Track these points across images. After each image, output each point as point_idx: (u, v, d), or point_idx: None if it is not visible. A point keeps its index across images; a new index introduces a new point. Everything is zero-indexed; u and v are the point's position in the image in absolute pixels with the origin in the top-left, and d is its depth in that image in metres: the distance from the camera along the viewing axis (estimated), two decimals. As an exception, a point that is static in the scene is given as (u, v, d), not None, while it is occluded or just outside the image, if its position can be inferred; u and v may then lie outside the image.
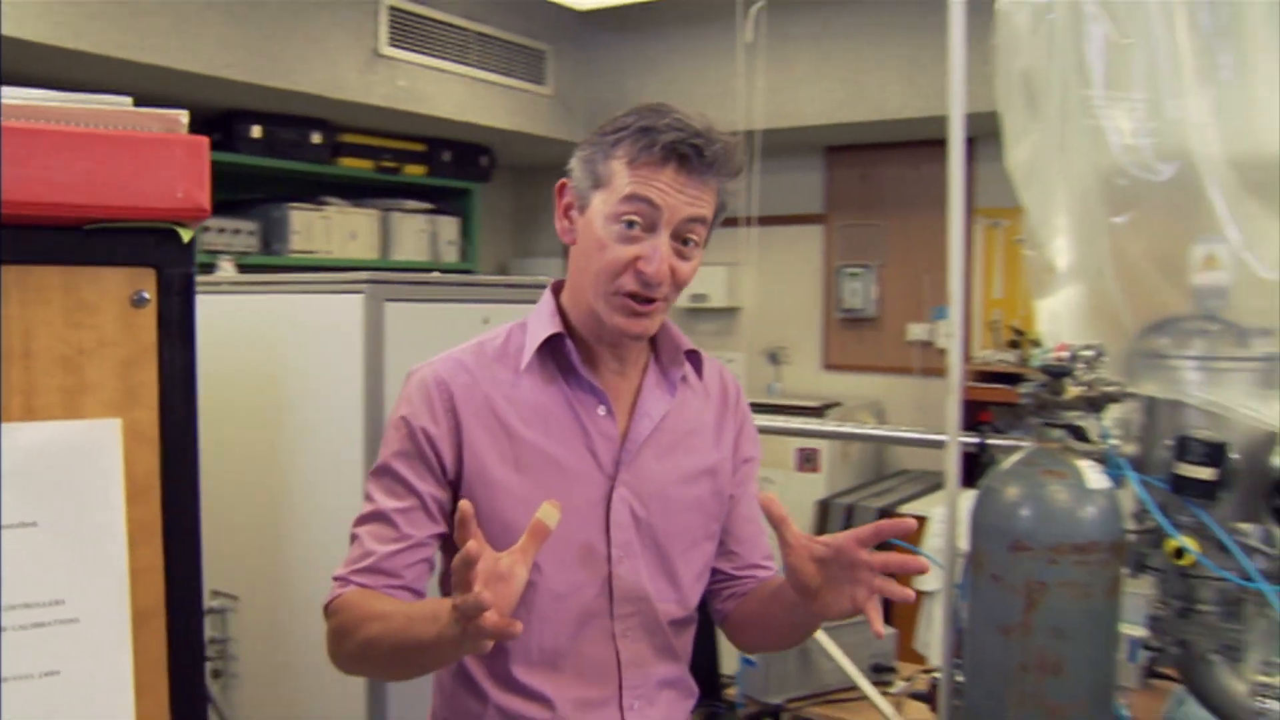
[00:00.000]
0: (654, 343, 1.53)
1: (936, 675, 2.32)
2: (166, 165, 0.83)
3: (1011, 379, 4.04)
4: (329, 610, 1.41)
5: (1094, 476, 1.79)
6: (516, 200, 6.74)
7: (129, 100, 0.87)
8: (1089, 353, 1.89)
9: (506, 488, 1.41)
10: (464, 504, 1.12)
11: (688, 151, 1.32)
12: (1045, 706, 1.75)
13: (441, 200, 5.60)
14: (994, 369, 4.53)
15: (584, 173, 1.41)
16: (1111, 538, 1.77)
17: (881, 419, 4.92)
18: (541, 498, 1.29)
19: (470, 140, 5.47)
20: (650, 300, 1.37)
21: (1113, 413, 1.97)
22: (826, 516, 4.32)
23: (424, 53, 4.59)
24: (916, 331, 4.90)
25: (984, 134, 4.62)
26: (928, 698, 2.40)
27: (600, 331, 1.44)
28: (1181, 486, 1.88)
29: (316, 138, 4.82)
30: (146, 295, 0.86)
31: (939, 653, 2.24)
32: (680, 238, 1.36)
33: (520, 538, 1.25)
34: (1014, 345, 4.59)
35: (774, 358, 5.27)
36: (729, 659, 2.65)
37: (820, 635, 2.53)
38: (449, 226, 5.58)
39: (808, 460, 4.56)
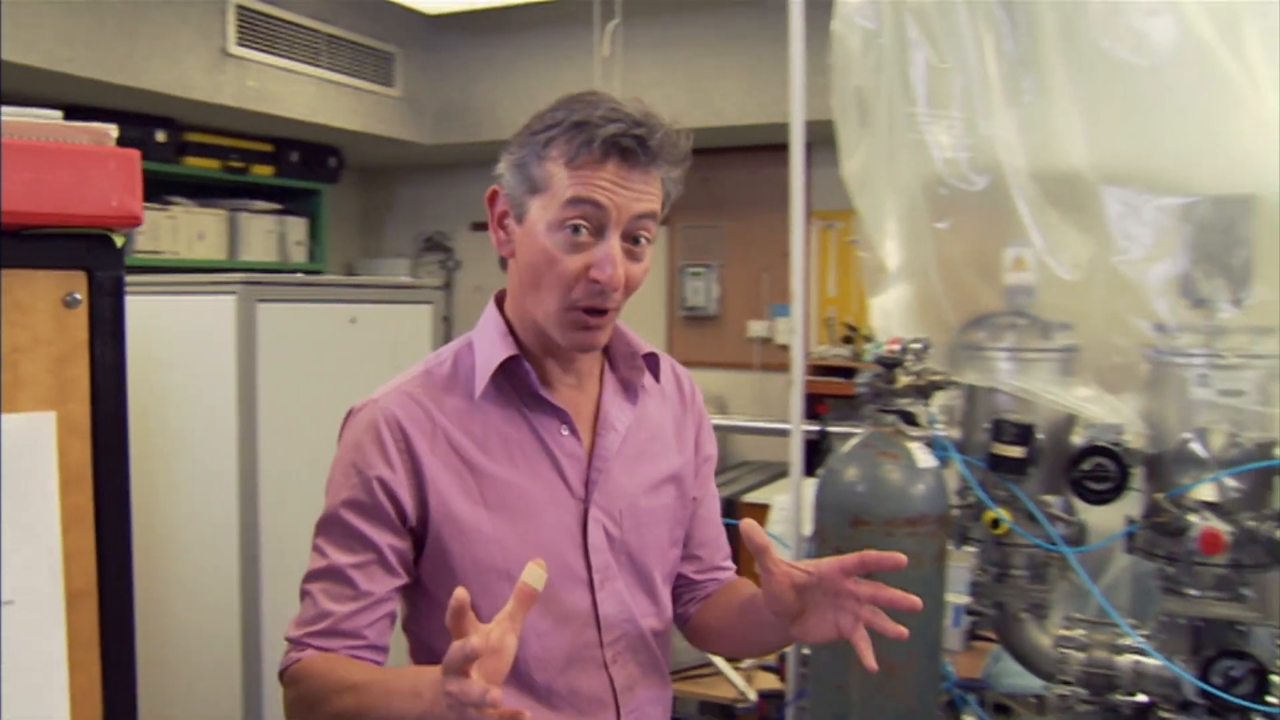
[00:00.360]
0: (607, 348, 1.43)
1: (785, 648, 2.51)
2: (102, 176, 0.90)
3: (846, 372, 4.29)
4: (287, 678, 1.30)
5: (923, 457, 1.99)
6: (364, 201, 6.71)
7: (59, 114, 0.94)
8: (917, 345, 2.10)
9: (477, 528, 1.31)
10: (459, 593, 1.02)
11: (630, 144, 1.22)
12: (883, 665, 1.92)
13: (290, 201, 5.55)
14: (829, 363, 4.79)
15: (517, 178, 1.29)
16: (939, 511, 1.97)
17: (723, 412, 5.14)
18: (514, 535, 1.27)
19: (319, 141, 5.44)
20: (604, 311, 1.28)
21: (938, 399, 2.18)
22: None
23: (273, 53, 4.56)
24: (756, 328, 5.15)
25: (820, 140, 4.86)
26: (776, 669, 2.59)
27: (551, 346, 1.35)
28: (997, 464, 2.10)
29: (161, 136, 4.72)
30: (78, 296, 0.93)
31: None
32: (631, 237, 1.27)
33: (494, 578, 1.24)
34: (848, 341, 4.86)
35: (621, 356, 5.44)
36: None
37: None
38: (297, 227, 5.54)
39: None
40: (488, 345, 1.36)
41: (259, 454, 2.10)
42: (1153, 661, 2.03)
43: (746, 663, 2.78)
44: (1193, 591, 2.05)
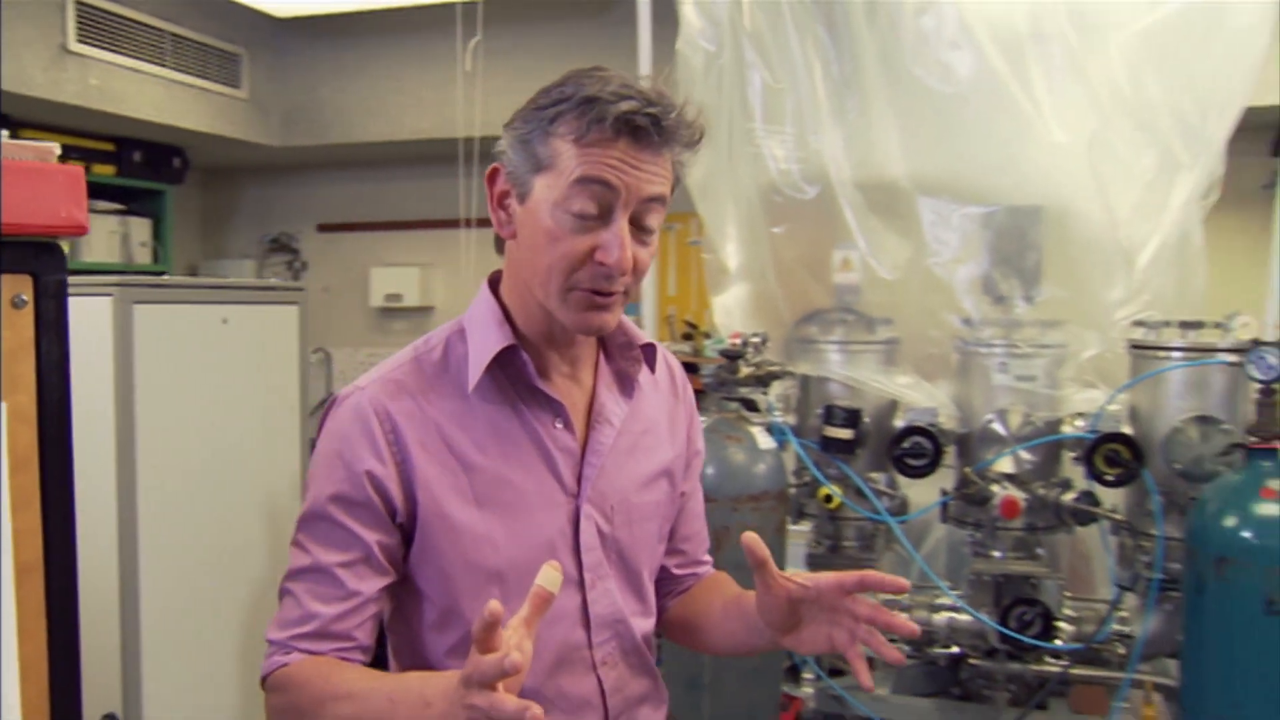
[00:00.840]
0: (601, 338, 1.36)
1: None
2: (52, 190, 1.01)
3: (687, 367, 4.50)
4: (270, 683, 1.22)
5: (764, 440, 2.21)
6: (208, 202, 6.60)
7: (5, 133, 1.04)
8: (756, 339, 2.32)
9: (469, 527, 1.24)
10: (493, 606, 0.96)
11: (644, 123, 1.15)
12: (730, 627, 2.15)
13: (133, 201, 5.43)
14: (672, 360, 5.01)
15: (521, 155, 1.21)
16: (778, 488, 2.20)
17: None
18: (505, 532, 1.22)
19: (163, 141, 5.35)
20: (611, 293, 1.19)
21: (776, 388, 2.40)
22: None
23: (117, 51, 4.47)
24: (606, 327, 5.34)
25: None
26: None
27: (551, 331, 1.28)
28: (829, 446, 2.34)
29: (-6, 134, 4.55)
30: (25, 298, 1.04)
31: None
32: (638, 221, 1.19)
33: (483, 577, 1.20)
34: (687, 338, 5.08)
35: (472, 355, 5.55)
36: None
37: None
38: (141, 228, 5.42)
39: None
40: (482, 333, 1.28)
41: (137, 455, 2.13)
42: (964, 617, 2.31)
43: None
44: (996, 553, 2.34)
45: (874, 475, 2.40)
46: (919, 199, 2.43)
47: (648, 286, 4.13)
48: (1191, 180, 2.40)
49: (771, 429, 2.29)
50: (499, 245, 1.29)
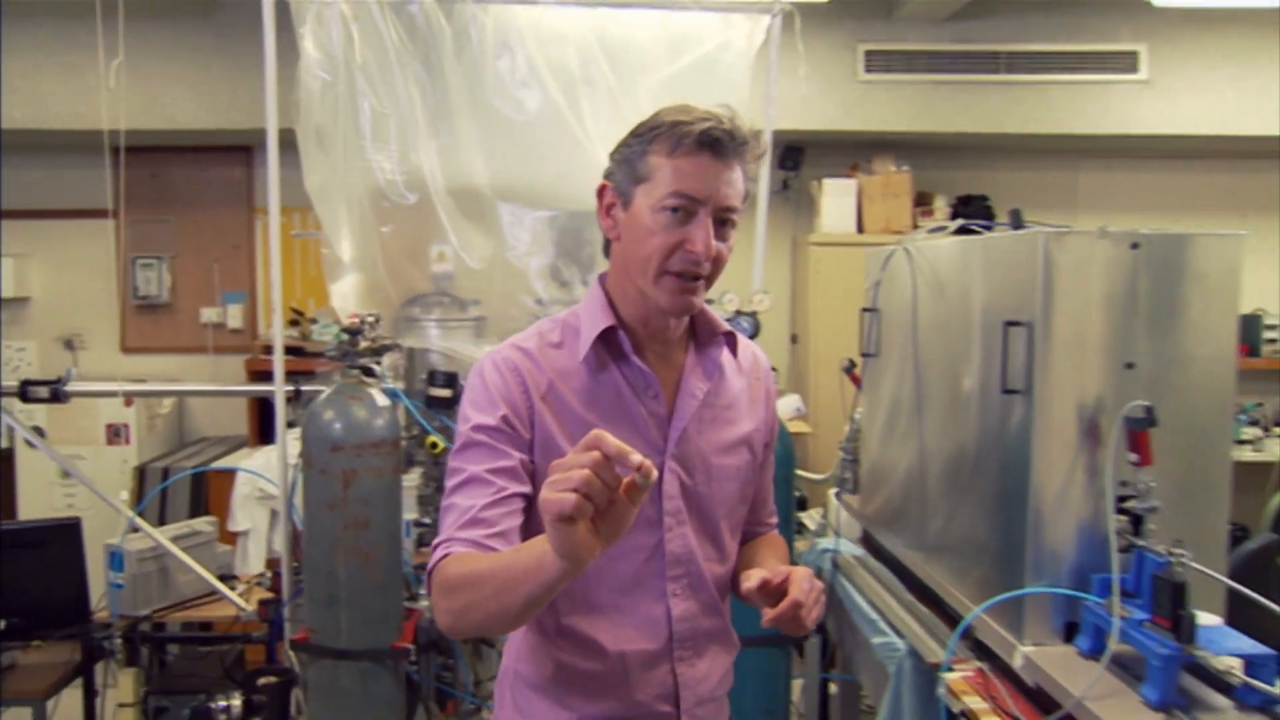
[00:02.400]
0: (692, 326, 1.59)
1: (279, 570, 3.11)
2: None
3: (295, 350, 4.83)
4: (434, 577, 1.36)
5: (381, 399, 2.71)
6: None
7: None
8: (371, 318, 2.81)
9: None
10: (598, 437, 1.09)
11: (720, 136, 1.39)
12: (360, 552, 2.64)
13: None
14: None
15: (624, 172, 1.45)
16: (394, 437, 2.71)
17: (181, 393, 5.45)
18: None
19: None
20: (697, 278, 1.43)
21: (388, 359, 2.92)
22: (144, 479, 4.80)
23: None
24: (209, 315, 5.52)
25: (260, 145, 5.39)
26: (271, 586, 3.18)
27: (648, 315, 1.50)
28: (432, 403, 2.89)
29: None
30: None
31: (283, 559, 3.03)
32: (719, 220, 1.42)
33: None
34: (294, 324, 5.39)
35: (70, 344, 5.49)
36: (96, 584, 3.14)
37: (172, 547, 3.14)
38: None
39: (117, 434, 4.96)
40: (591, 316, 1.51)
41: None
42: (543, 533, 2.95)
43: (240, 587, 3.33)
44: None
45: (470, 426, 2.99)
46: (498, 204, 3.05)
47: (260, 277, 4.44)
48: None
49: (387, 392, 2.80)
50: (606, 249, 1.55)
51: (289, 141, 2.91)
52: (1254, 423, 5.38)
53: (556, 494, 1.07)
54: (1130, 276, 2.10)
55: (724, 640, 1.66)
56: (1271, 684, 1.81)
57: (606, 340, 1.50)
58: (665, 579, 1.54)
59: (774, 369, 1.78)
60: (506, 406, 1.45)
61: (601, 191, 1.52)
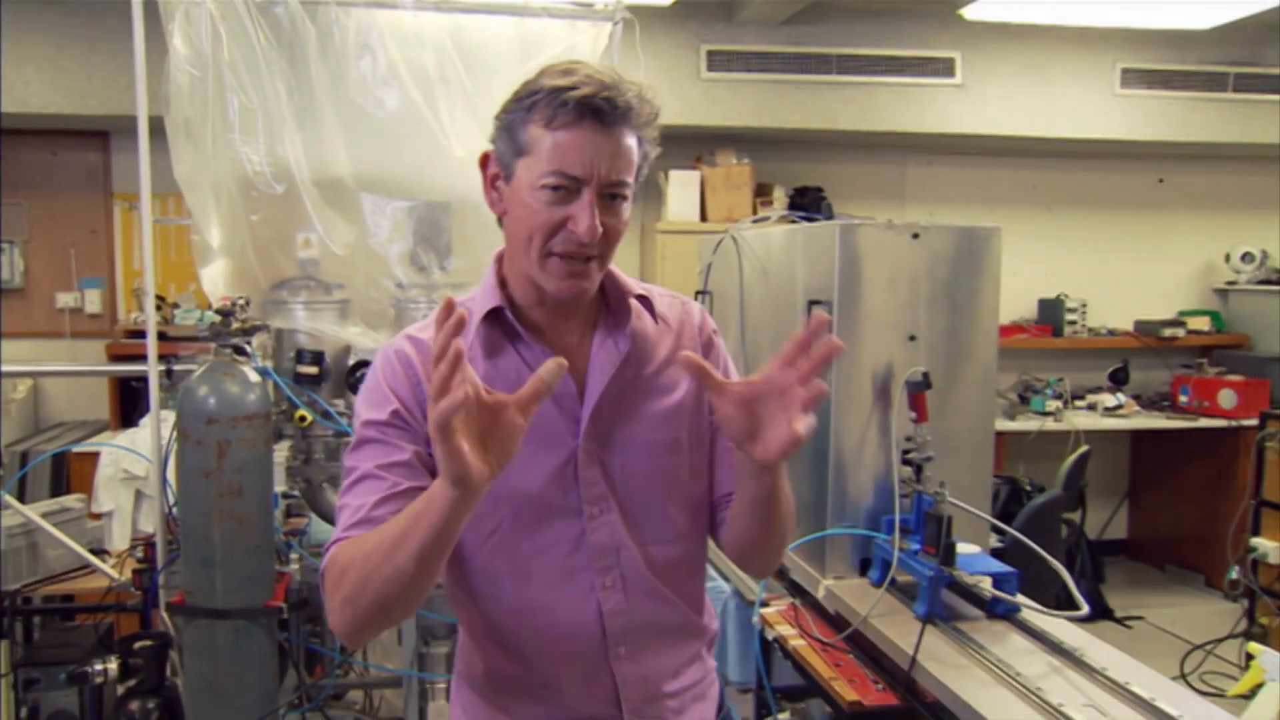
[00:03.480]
0: (602, 294, 1.47)
1: (152, 541, 3.26)
2: None
3: (158, 335, 4.91)
4: (324, 574, 1.30)
5: (253, 375, 2.90)
6: None
7: None
8: (242, 301, 3.00)
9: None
10: (457, 344, 1.04)
11: (600, 105, 1.29)
12: (234, 517, 2.83)
13: None
14: (139, 328, 5.36)
15: (505, 142, 1.36)
16: (265, 410, 2.91)
17: (38, 379, 5.43)
18: (510, 466, 1.23)
19: None
20: (586, 259, 1.34)
21: (259, 338, 3.10)
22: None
23: None
24: (65, 300, 5.52)
25: (120, 130, 5.45)
26: (144, 557, 3.32)
27: (541, 294, 1.40)
28: (300, 379, 3.10)
29: None
30: None
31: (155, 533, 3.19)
32: (607, 194, 1.32)
33: (490, 502, 1.26)
34: (156, 309, 5.46)
35: (-90, 332, 5.44)
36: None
37: (42, 522, 3.26)
38: None
39: (-30, 420, 4.97)
40: (482, 298, 1.43)
41: None
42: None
43: (112, 560, 3.45)
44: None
45: (336, 400, 3.21)
46: (361, 195, 3.27)
47: (121, 262, 4.51)
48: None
49: (258, 369, 3.00)
50: (500, 223, 1.44)
51: (153, 129, 3.02)
52: (1057, 396, 5.95)
53: (435, 409, 1.04)
54: (912, 261, 2.48)
55: (679, 630, 1.52)
56: (1014, 595, 2.21)
57: (503, 321, 1.43)
58: (591, 572, 1.43)
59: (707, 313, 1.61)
60: (397, 400, 1.37)
61: (484, 161, 1.42)
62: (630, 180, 1.34)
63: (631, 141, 1.33)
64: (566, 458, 1.41)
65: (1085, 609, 1.98)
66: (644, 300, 1.49)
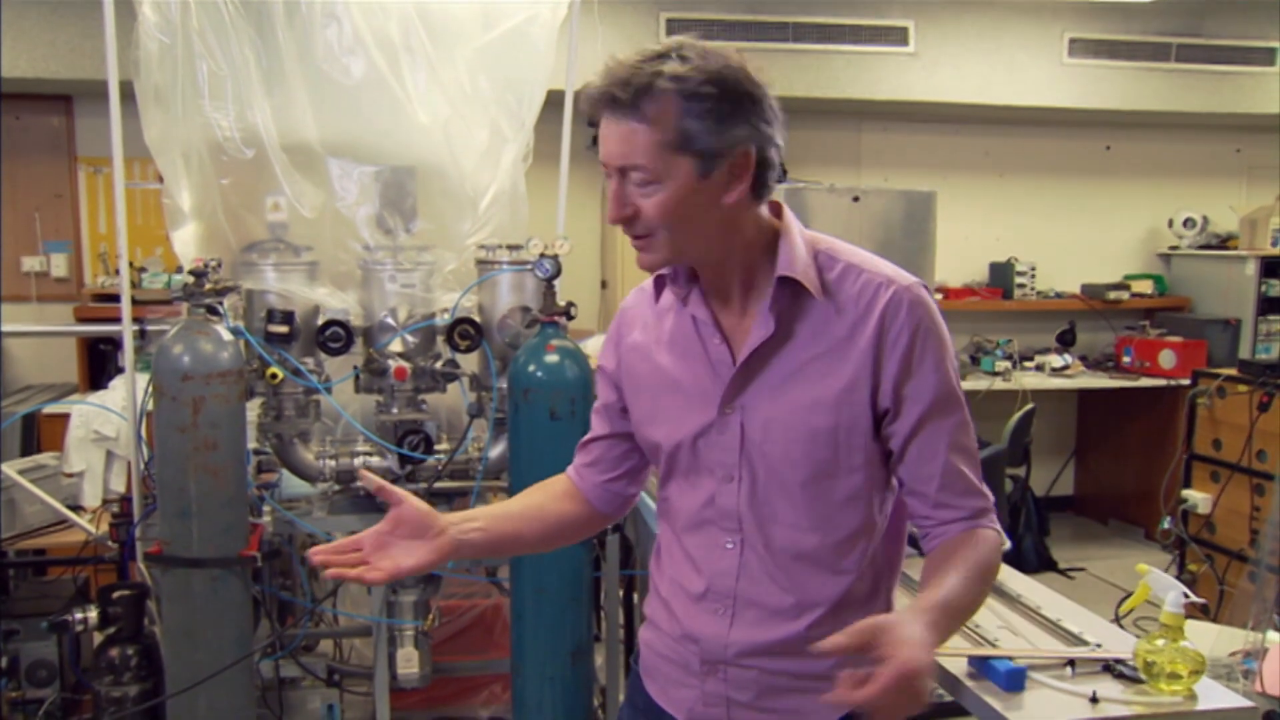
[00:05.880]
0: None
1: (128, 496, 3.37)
2: None
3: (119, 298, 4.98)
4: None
5: (225, 334, 3.01)
6: None
7: None
8: (214, 263, 3.09)
9: (639, 406, 1.63)
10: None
11: (599, 97, 1.38)
12: (209, 469, 2.94)
13: None
14: (107, 291, 5.42)
15: None
16: (239, 367, 3.02)
17: (4, 341, 5.49)
18: (666, 419, 1.56)
19: None
20: (636, 237, 1.44)
21: (231, 299, 3.20)
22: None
23: None
24: (31, 264, 5.57)
25: (85, 95, 5.48)
26: (120, 511, 3.43)
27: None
28: (271, 338, 3.21)
29: None
30: None
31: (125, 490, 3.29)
32: (630, 178, 1.39)
33: (649, 448, 1.62)
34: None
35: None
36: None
37: (19, 479, 3.36)
38: None
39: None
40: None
41: None
42: (375, 459, 3.32)
43: (89, 515, 3.56)
44: (394, 409, 3.37)
45: (306, 359, 3.32)
46: (328, 159, 3.36)
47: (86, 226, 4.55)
48: (514, 149, 3.58)
49: (230, 328, 3.10)
50: None
51: (121, 94, 3.11)
52: (1007, 357, 6.16)
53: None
54: (854, 223, 2.63)
55: (779, 613, 1.51)
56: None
57: (676, 284, 1.54)
58: (718, 529, 1.53)
59: (919, 304, 1.45)
60: (611, 348, 1.67)
61: None
62: (644, 163, 1.36)
63: (640, 125, 1.35)
64: (711, 419, 1.50)
65: (1007, 543, 2.14)
66: (789, 281, 1.44)
